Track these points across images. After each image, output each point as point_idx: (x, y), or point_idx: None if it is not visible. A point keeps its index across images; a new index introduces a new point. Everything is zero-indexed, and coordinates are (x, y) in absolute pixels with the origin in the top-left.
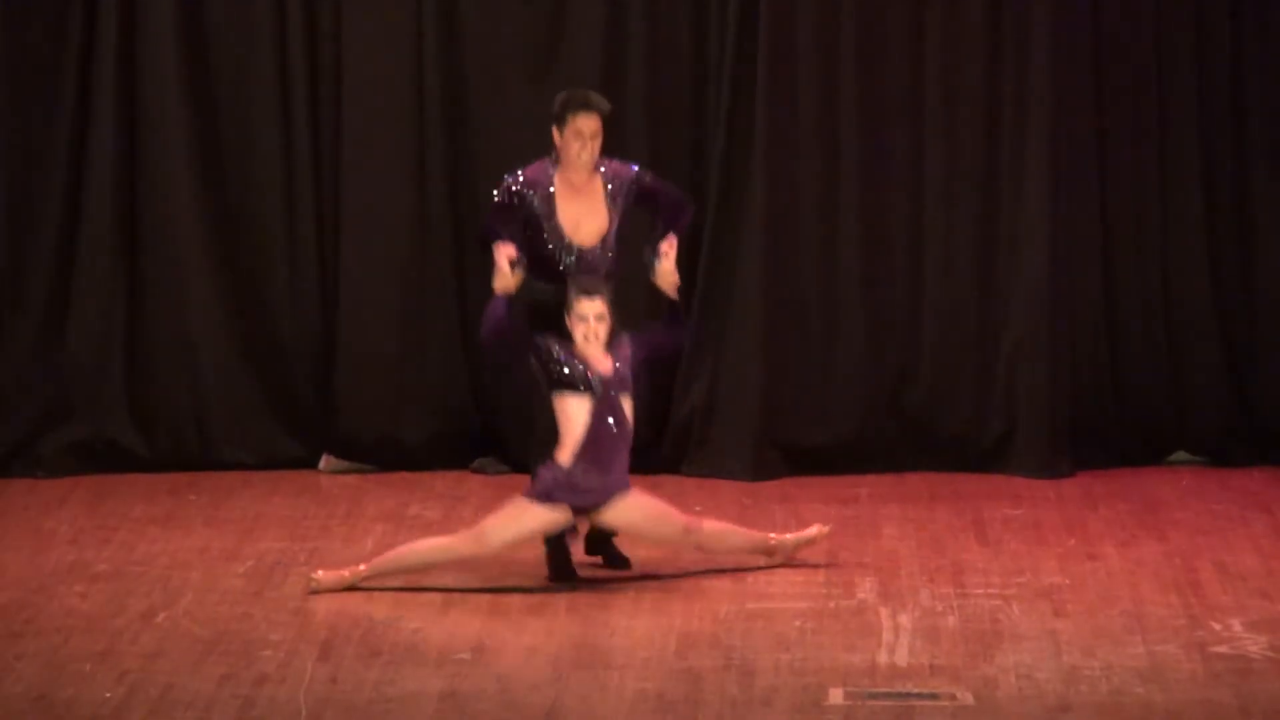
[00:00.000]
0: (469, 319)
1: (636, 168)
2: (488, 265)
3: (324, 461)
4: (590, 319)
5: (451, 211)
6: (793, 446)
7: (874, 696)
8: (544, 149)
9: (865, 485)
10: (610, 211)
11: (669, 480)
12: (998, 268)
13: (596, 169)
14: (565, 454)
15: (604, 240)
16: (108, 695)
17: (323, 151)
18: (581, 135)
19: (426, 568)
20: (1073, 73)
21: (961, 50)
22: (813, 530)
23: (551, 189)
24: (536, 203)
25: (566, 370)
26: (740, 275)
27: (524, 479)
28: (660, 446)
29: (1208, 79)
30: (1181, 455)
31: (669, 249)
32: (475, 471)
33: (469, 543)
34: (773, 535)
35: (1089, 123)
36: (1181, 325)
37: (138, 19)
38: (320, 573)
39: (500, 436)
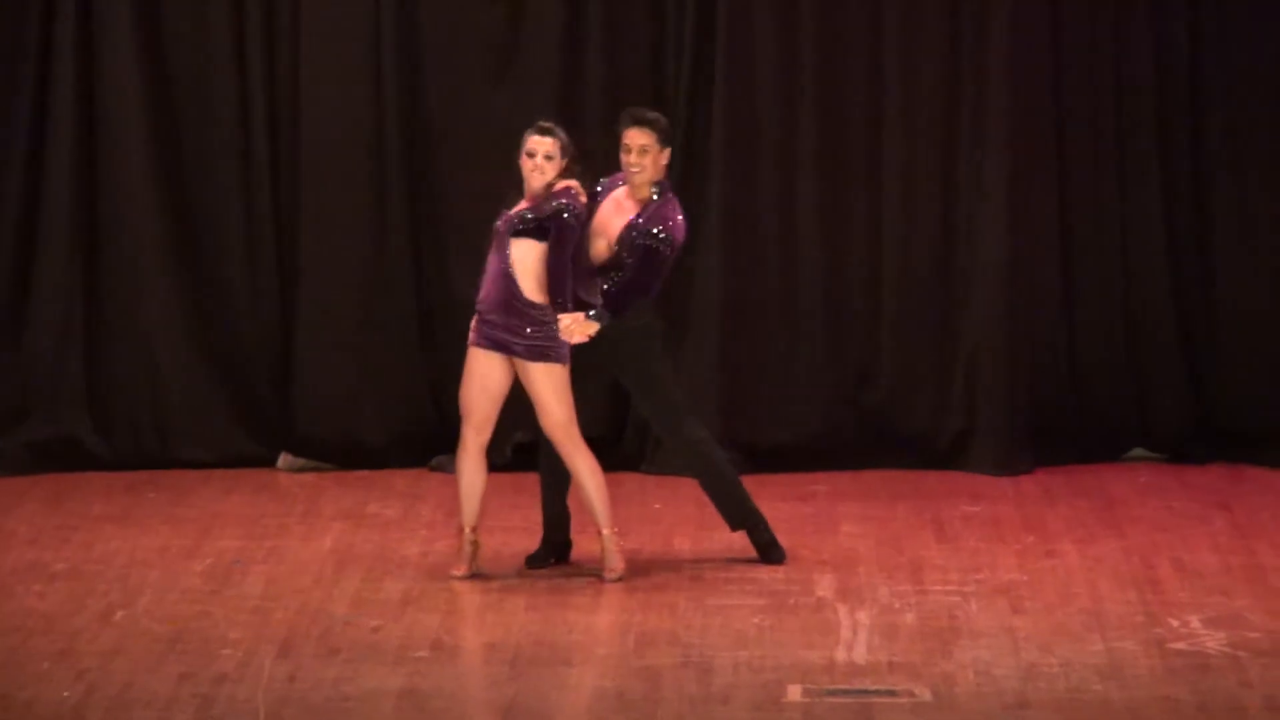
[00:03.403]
0: (427, 318)
1: (666, 222)
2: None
3: (282, 460)
4: (538, 156)
5: (410, 210)
6: (752, 444)
7: (832, 694)
8: (505, 148)
9: (824, 483)
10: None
11: (629, 478)
12: (956, 266)
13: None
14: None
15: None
16: (66, 694)
17: (281, 151)
18: (628, 149)
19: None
20: (1031, 76)
21: (920, 50)
22: (613, 569)
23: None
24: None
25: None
26: (699, 274)
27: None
28: (620, 444)
29: (1166, 79)
30: (1140, 452)
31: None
32: (434, 469)
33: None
34: (611, 533)
35: (1048, 123)
36: (1140, 323)
37: (95, 21)
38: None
39: (458, 435)
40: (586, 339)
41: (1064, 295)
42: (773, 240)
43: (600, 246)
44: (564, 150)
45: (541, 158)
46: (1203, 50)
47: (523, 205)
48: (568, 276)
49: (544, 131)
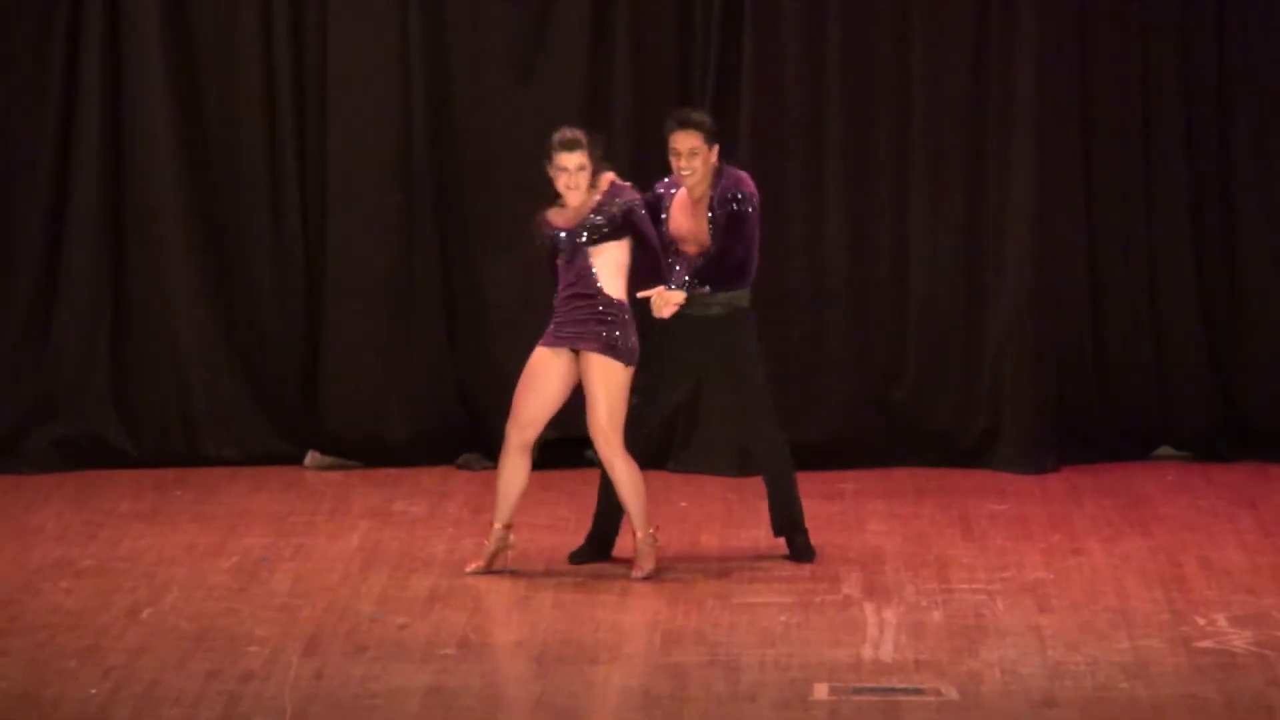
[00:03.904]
0: (454, 316)
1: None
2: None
3: (309, 458)
4: (571, 169)
5: (437, 209)
6: None
7: (859, 692)
8: (532, 146)
9: (851, 481)
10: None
11: (655, 476)
12: (984, 265)
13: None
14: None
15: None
16: (93, 692)
17: (308, 149)
18: (677, 154)
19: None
20: (1058, 72)
21: (947, 47)
22: (642, 567)
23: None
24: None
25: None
26: None
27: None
28: (647, 442)
29: (1194, 77)
30: (1167, 450)
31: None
32: (460, 467)
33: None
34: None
35: (1075, 122)
36: (1167, 321)
37: (123, 16)
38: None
39: (485, 432)
40: (675, 309)
41: (1090, 293)
42: (798, 239)
43: (690, 250)
44: (592, 155)
45: (575, 170)
46: (1230, 48)
47: (571, 216)
48: (664, 261)
49: (570, 146)
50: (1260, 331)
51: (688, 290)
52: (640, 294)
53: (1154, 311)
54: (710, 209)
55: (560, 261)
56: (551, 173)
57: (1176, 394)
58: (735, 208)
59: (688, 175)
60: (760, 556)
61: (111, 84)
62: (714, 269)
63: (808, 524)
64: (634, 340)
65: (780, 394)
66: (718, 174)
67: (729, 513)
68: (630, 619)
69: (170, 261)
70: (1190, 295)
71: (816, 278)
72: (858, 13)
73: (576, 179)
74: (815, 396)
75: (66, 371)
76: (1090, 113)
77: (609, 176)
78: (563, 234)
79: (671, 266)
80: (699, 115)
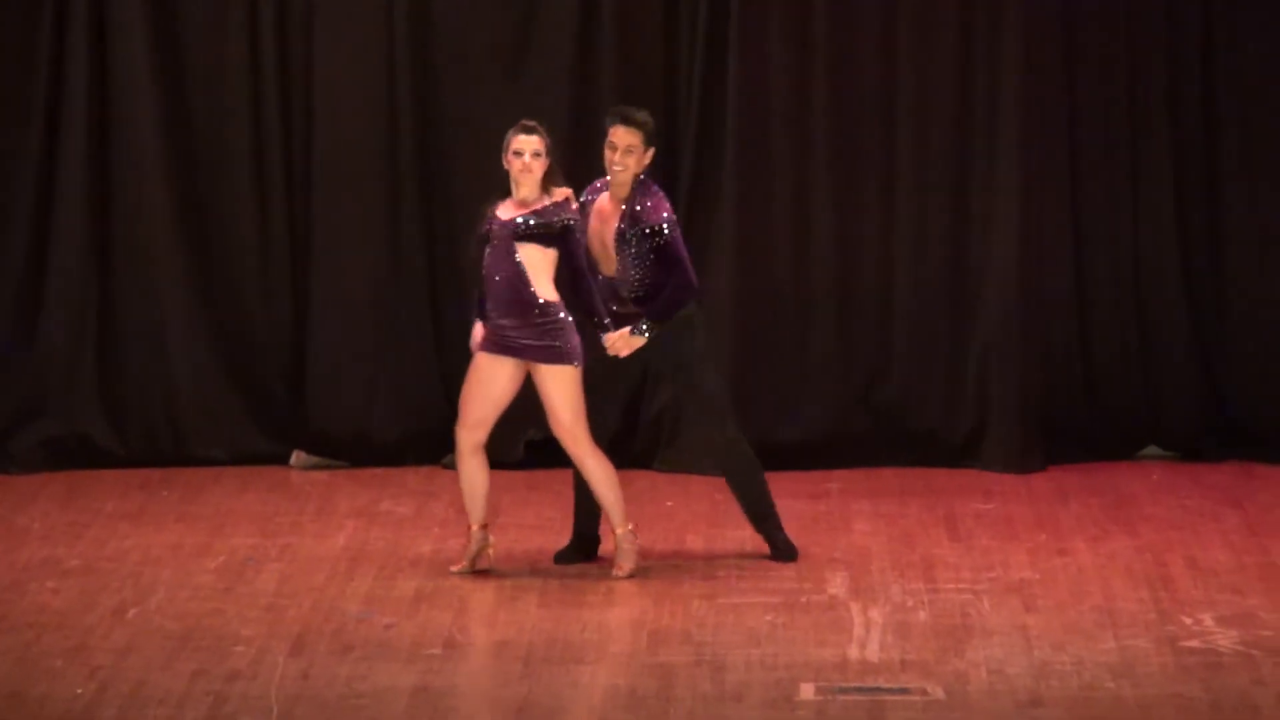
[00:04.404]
0: (440, 315)
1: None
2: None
3: (295, 457)
4: (526, 154)
5: (423, 209)
6: (764, 442)
7: (845, 691)
8: None
9: (836, 480)
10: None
11: (641, 475)
12: (969, 263)
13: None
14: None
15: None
16: (79, 691)
17: (294, 149)
18: (613, 147)
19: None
20: (1044, 75)
21: (933, 49)
22: (622, 567)
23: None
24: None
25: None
26: (711, 271)
27: (493, 474)
28: (633, 442)
29: (1180, 80)
30: (1153, 450)
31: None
32: (446, 467)
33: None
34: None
35: (1061, 124)
36: (1153, 321)
37: (109, 16)
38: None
39: None
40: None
41: (1077, 292)
42: (785, 238)
43: (607, 264)
44: (549, 147)
45: (530, 155)
46: (1216, 50)
47: (515, 208)
48: (595, 290)
49: (529, 130)
50: (1246, 332)
51: (646, 334)
52: (604, 338)
53: (1140, 311)
54: (620, 226)
55: (487, 254)
56: (507, 161)
57: (1162, 394)
58: (659, 240)
59: (619, 171)
60: (746, 556)
61: (98, 84)
62: (663, 308)
63: (794, 524)
64: (576, 338)
65: (766, 394)
66: (638, 183)
67: (715, 512)
68: (616, 619)
69: (157, 262)
70: (1176, 295)
71: (803, 278)
72: (844, 18)
73: (531, 164)
74: (802, 396)
75: (53, 371)
76: (1076, 116)
77: (566, 192)
78: (498, 224)
79: (592, 290)
80: (643, 115)
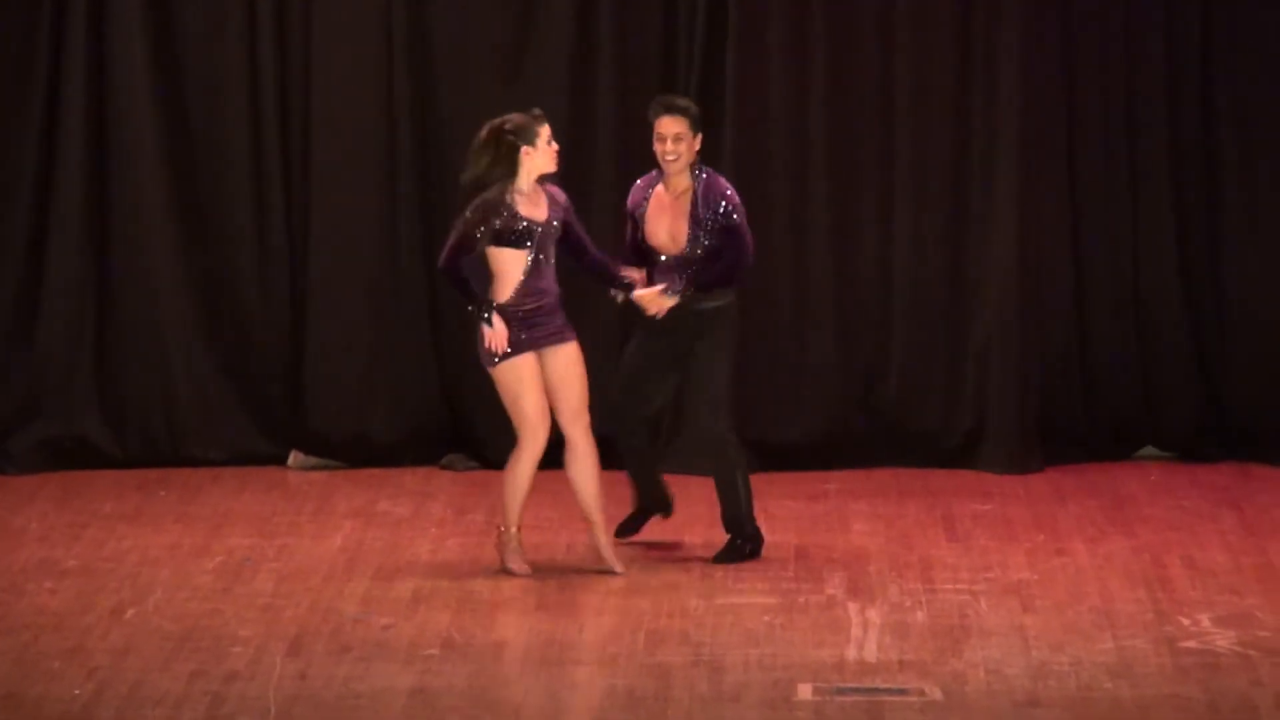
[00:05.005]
0: (439, 316)
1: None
2: None
3: (293, 458)
4: (668, 140)
5: (421, 209)
6: (763, 443)
7: (843, 692)
8: None
9: (835, 481)
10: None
11: None
12: (967, 264)
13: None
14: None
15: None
16: (77, 692)
17: (292, 149)
18: (662, 138)
19: (527, 486)
20: (1042, 76)
21: (931, 50)
22: (615, 567)
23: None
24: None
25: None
26: None
27: (493, 474)
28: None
29: (1177, 78)
30: (1151, 451)
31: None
32: (444, 468)
33: (528, 442)
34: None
35: (1059, 122)
36: (1151, 322)
37: (107, 15)
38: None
39: (469, 433)
40: (663, 313)
41: (1074, 293)
42: (783, 239)
43: (672, 251)
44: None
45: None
46: (1214, 49)
47: (529, 202)
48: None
49: (545, 119)
50: (1243, 332)
51: (683, 297)
52: (635, 295)
53: (1138, 313)
54: (694, 212)
55: (528, 255)
56: (535, 145)
57: (1160, 394)
58: (730, 221)
59: (672, 160)
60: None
61: (95, 84)
62: (716, 277)
63: (793, 524)
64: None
65: (765, 394)
66: (695, 170)
67: (713, 513)
68: (614, 620)
69: (154, 262)
70: (1174, 297)
71: (801, 279)
72: (842, 19)
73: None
74: (800, 397)
75: (51, 372)
76: (1074, 117)
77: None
78: (539, 226)
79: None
80: (685, 101)
